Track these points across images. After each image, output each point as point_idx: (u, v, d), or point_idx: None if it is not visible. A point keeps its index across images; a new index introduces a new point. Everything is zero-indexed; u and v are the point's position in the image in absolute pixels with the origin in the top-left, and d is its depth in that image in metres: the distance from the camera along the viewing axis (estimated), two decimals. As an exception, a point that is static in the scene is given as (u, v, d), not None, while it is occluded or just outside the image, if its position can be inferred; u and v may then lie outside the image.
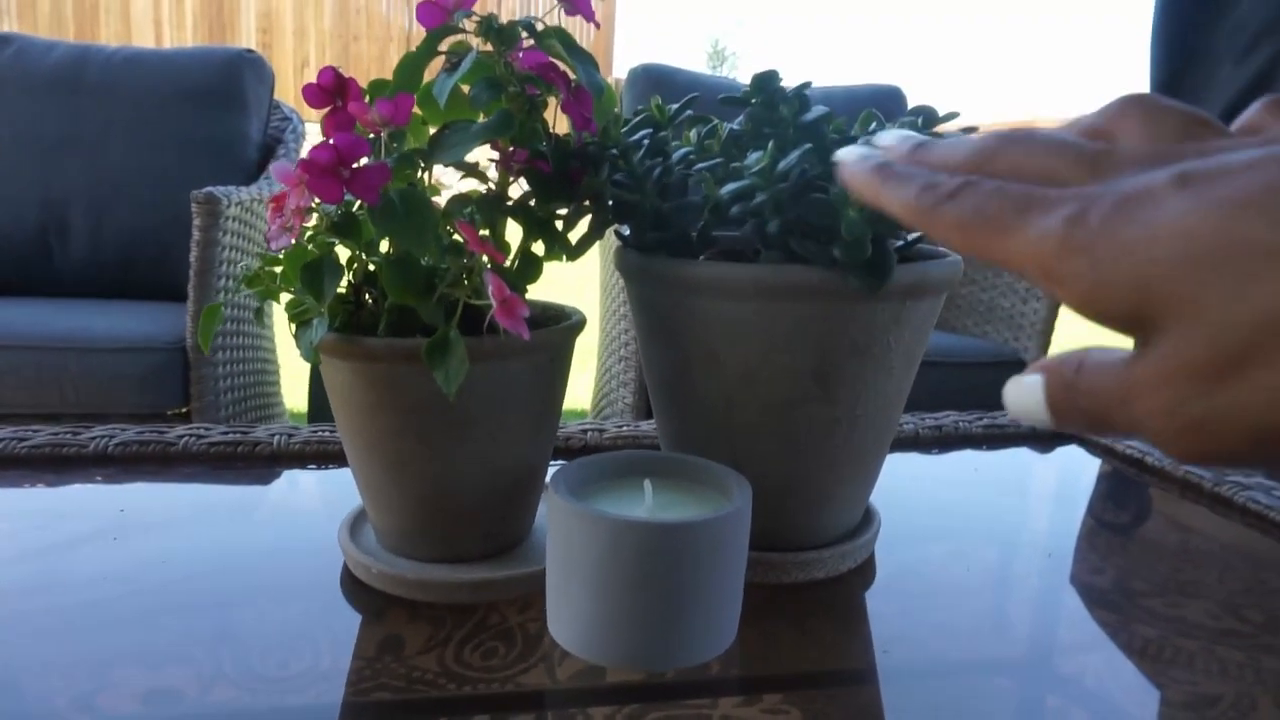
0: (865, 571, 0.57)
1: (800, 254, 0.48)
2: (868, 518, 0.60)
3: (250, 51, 2.04)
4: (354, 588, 0.53)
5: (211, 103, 1.95)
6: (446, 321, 0.45)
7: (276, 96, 2.13)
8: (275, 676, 0.44)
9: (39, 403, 1.47)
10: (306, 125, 2.11)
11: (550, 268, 0.55)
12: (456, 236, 0.48)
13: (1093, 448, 0.86)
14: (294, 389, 2.13)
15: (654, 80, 2.12)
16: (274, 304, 1.97)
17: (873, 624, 0.52)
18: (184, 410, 1.50)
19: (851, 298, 0.48)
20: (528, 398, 0.51)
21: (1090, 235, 0.20)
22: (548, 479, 0.57)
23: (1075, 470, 0.83)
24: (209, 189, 1.47)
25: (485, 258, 0.44)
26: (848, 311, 0.49)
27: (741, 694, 0.43)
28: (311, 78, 0.46)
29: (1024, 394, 0.23)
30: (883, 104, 2.10)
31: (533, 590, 0.51)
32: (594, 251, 1.96)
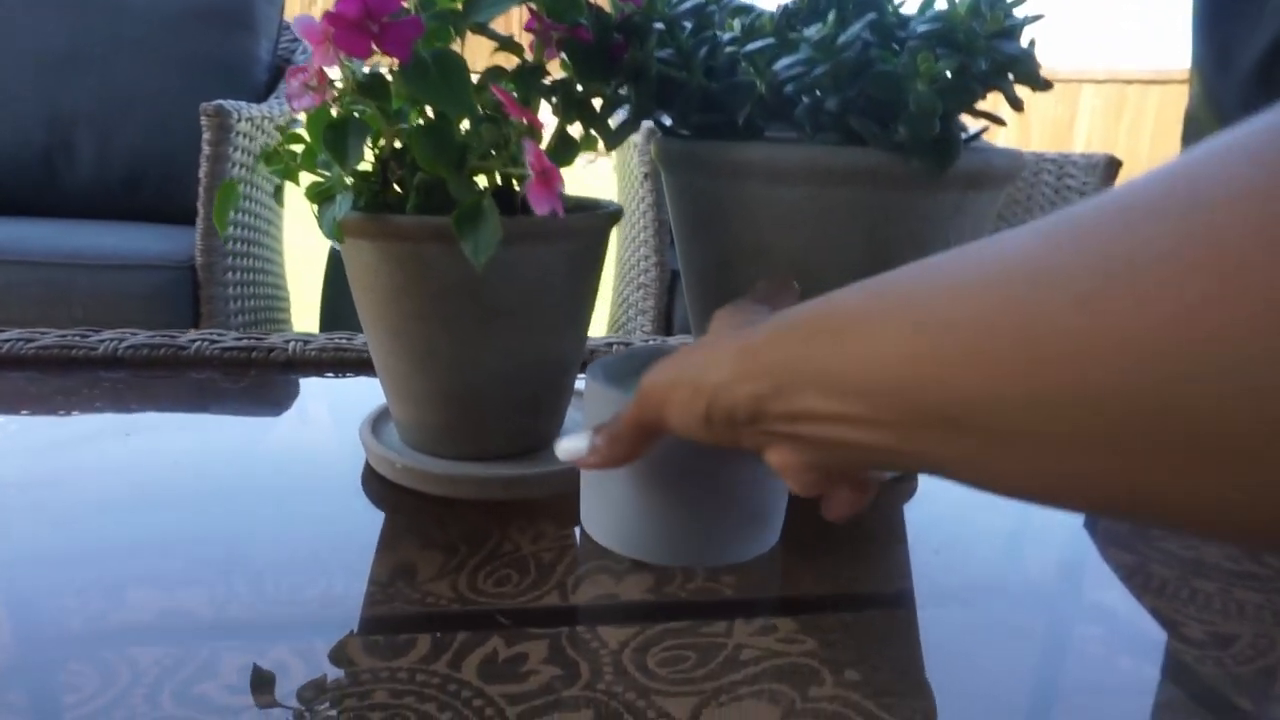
0: (907, 481, 0.55)
1: (858, 135, 0.45)
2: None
3: (259, -30, 1.98)
4: (376, 486, 0.51)
5: (221, 22, 1.90)
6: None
7: (286, 18, 2.07)
8: (287, 589, 0.41)
9: (47, 320, 1.44)
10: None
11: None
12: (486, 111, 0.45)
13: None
14: (303, 317, 2.10)
15: None
16: (281, 235, 1.89)
17: (910, 541, 0.50)
18: (194, 331, 1.48)
19: (911, 184, 0.45)
20: (560, 288, 0.48)
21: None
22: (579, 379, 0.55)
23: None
24: (218, 101, 1.43)
25: (526, 123, 0.40)
26: (907, 199, 0.45)
27: (756, 617, 0.40)
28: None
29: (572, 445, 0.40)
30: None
31: (564, 491, 0.49)
32: (610, 177, 1.90)
